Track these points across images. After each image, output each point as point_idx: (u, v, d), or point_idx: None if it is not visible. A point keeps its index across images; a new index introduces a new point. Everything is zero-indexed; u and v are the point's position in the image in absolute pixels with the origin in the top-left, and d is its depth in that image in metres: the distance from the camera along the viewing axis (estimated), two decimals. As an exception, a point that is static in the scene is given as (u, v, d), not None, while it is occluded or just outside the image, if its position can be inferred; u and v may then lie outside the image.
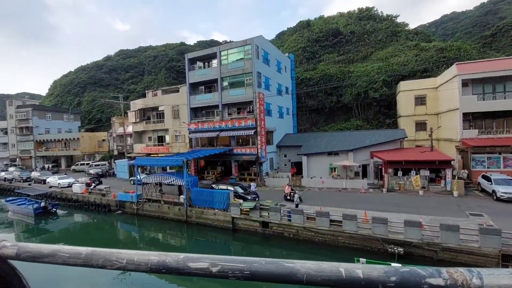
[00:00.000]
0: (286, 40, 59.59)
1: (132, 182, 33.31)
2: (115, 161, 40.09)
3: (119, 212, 25.03)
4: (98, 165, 44.05)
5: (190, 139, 31.98)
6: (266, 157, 28.70)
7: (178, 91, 37.18)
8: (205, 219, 20.50)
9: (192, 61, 32.39)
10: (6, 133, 57.98)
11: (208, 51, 30.98)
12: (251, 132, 27.15)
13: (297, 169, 32.27)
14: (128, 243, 20.99)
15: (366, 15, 57.60)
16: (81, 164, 45.82)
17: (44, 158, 54.24)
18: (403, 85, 35.09)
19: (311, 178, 27.35)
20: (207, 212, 20.41)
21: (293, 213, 17.25)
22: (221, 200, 19.74)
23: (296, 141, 33.40)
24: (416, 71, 39.05)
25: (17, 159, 55.49)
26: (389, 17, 57.07)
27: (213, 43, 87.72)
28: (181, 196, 21.94)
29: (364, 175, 28.34)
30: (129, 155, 38.36)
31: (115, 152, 45.85)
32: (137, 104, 38.31)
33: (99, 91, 76.58)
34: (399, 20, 57.14)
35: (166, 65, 73.68)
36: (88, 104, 74.17)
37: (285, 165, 32.89)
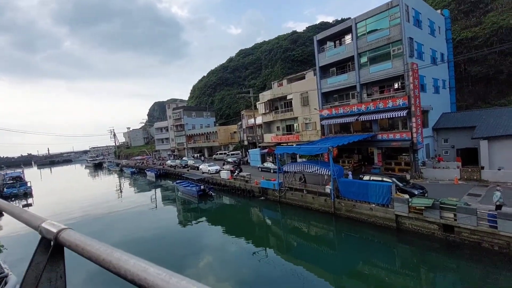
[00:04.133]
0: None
1: (260, 169, 35.14)
2: (248, 150, 43.62)
3: (262, 198, 26.40)
4: (233, 154, 49.58)
5: (322, 126, 30.16)
6: (423, 142, 23.23)
7: (304, 77, 36.06)
8: (358, 214, 18.21)
9: (321, 42, 30.06)
10: (167, 130, 74.81)
11: (340, 26, 27.71)
12: (403, 113, 22.38)
13: (463, 157, 24.88)
14: (272, 228, 21.49)
15: None
16: (220, 154, 52.99)
17: (192, 149, 66.51)
18: None
19: (499, 169, 20.00)
20: (360, 206, 18.03)
21: (500, 218, 12.40)
22: (379, 193, 16.86)
23: (461, 121, 25.71)
24: None
25: (175, 150, 70.51)
26: None
27: (322, 25, 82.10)
28: (327, 186, 20.47)
29: None
30: (260, 144, 40.74)
31: (245, 142, 50.23)
32: (265, 95, 39.84)
33: (226, 90, 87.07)
34: None
35: (281, 56, 74.88)
36: (219, 102, 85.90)
37: (446, 152, 25.97)
